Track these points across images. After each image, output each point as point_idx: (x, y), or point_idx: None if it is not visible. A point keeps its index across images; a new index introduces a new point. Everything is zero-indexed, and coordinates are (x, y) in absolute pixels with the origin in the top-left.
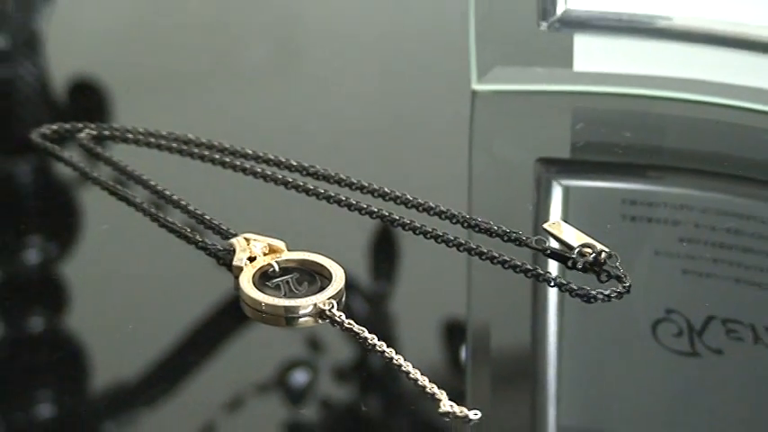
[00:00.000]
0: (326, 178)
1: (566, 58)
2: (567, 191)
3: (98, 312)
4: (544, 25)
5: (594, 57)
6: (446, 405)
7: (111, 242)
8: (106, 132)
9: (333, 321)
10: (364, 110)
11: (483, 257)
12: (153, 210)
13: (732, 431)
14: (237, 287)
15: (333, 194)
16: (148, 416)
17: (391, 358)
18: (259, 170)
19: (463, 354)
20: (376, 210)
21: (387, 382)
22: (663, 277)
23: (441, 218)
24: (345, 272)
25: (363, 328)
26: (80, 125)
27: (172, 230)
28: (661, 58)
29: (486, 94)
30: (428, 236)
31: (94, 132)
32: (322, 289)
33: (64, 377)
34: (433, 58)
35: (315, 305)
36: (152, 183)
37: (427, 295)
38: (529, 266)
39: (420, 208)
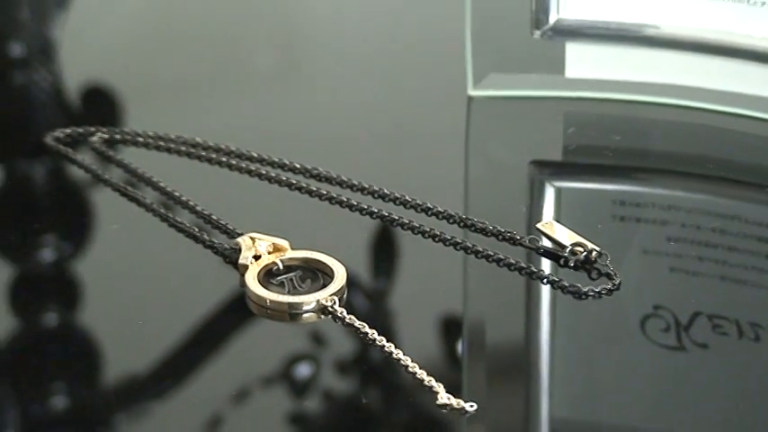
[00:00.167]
0: (328, 180)
1: (558, 65)
2: (559, 192)
3: (109, 308)
4: (537, 34)
5: (585, 64)
6: (443, 397)
7: (122, 241)
8: (117, 136)
9: (334, 317)
10: (365, 114)
11: (478, 256)
12: (162, 210)
13: (717, 422)
14: (243, 284)
15: (334, 195)
16: (158, 407)
17: (391, 352)
18: (264, 172)
19: (459, 348)
20: (376, 210)
21: (386, 375)
22: (651, 275)
23: (438, 218)
24: (347, 270)
25: (364, 324)
26: (92, 129)
27: (180, 230)
28: (649, 65)
29: (482, 100)
30: (426, 235)
31: (106, 136)
32: (324, 286)
33: (77, 370)
34: (430, 65)
35: (317, 301)
36: (161, 184)
37: (425, 292)
38: (523, 264)
39: (418, 208)
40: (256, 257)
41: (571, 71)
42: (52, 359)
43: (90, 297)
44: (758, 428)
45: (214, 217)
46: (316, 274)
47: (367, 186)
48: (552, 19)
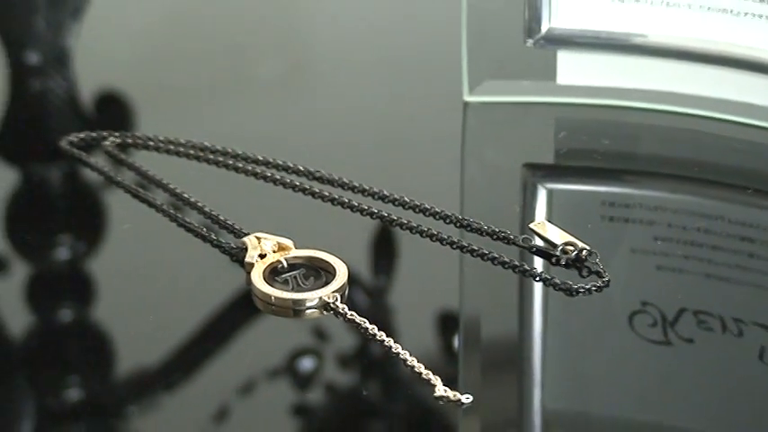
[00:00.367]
0: (331, 182)
1: (550, 72)
2: (550, 193)
3: (122, 304)
4: (530, 42)
5: (576, 71)
6: (440, 390)
7: (133, 241)
8: (129, 140)
9: (337, 313)
10: (366, 119)
11: (474, 255)
12: (172, 211)
13: (701, 413)
14: (249, 282)
15: (336, 197)
16: (168, 399)
17: (390, 347)
18: (269, 174)
19: (456, 342)
20: (376, 211)
21: (386, 369)
22: (639, 273)
23: (435, 218)
24: (348, 268)
25: (365, 320)
26: (105, 134)
27: (189, 230)
28: (636, 72)
29: (477, 106)
30: (424, 235)
31: (118, 140)
32: (327, 283)
33: (91, 363)
34: (428, 73)
35: (320, 298)
36: (171, 186)
37: (423, 289)
38: (516, 263)
39: (416, 209)
40: (262, 256)
41: (562, 78)
42: (67, 353)
43: (103, 294)
44: (740, 419)
45: (221, 217)
46: (318, 272)
47: (367, 188)
48: (544, 28)
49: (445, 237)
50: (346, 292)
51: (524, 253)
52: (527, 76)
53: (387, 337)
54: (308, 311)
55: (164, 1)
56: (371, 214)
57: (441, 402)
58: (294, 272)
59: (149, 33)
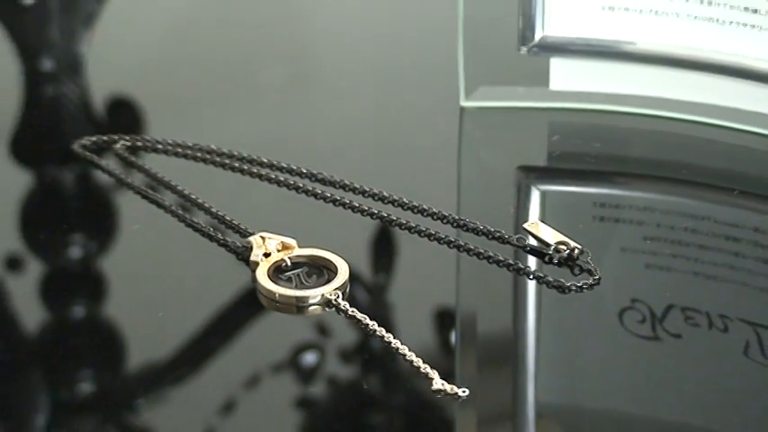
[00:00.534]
0: (332, 183)
1: (543, 78)
2: (544, 195)
3: (132, 301)
4: (524, 50)
5: (568, 77)
6: (438, 383)
7: (143, 240)
8: (139, 144)
9: (338, 310)
10: (366, 123)
11: (470, 253)
12: (180, 212)
13: (688, 405)
14: (254, 280)
15: (338, 198)
16: (177, 391)
17: (390, 342)
18: (273, 176)
19: (453, 338)
20: (376, 211)
21: (386, 363)
22: (628, 271)
23: (433, 218)
24: (349, 266)
25: (365, 316)
26: (116, 137)
27: (196, 230)
28: (626, 78)
29: (473, 111)
30: (422, 234)
31: (129, 144)
32: (329, 281)
33: (102, 358)
34: (426, 79)
35: (322, 295)
36: (179, 188)
37: (421, 287)
38: (511, 261)
39: (415, 210)
40: (266, 255)
41: (555, 84)
42: (80, 348)
43: (114, 291)
44: (726, 410)
45: (227, 218)
46: (321, 271)
47: (368, 189)
48: (538, 36)
49: (442, 236)
50: (347, 290)
51: (518, 252)
52: (521, 82)
53: (386, 332)
54: (311, 308)
55: (172, 11)
56: (371, 215)
57: (438, 395)
58: (297, 270)
59: (158, 42)
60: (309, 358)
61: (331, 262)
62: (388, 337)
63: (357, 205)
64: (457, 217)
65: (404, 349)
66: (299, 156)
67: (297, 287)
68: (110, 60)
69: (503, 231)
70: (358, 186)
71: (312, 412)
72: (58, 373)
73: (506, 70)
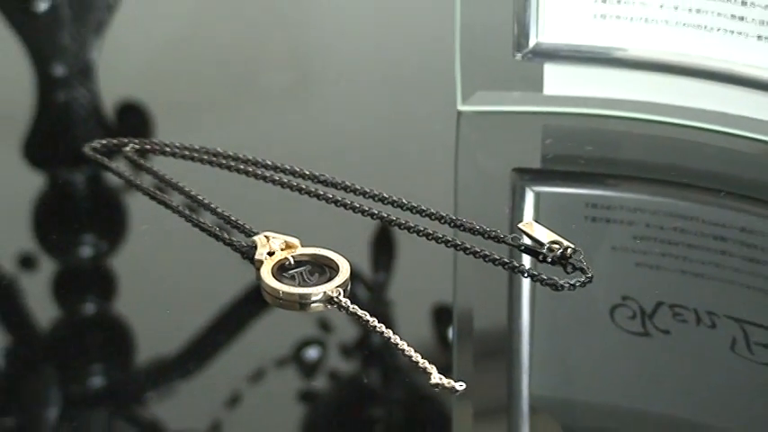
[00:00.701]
0: (334, 185)
1: (537, 83)
2: (538, 196)
3: (141, 299)
4: (519, 56)
5: (562, 82)
6: (436, 377)
7: (151, 240)
8: (148, 146)
9: (340, 307)
10: (367, 126)
11: (467, 252)
12: (187, 212)
13: (676, 398)
14: (259, 278)
15: (339, 199)
16: (184, 385)
17: (389, 338)
18: (277, 178)
19: (450, 334)
20: (376, 212)
21: (385, 358)
22: (619, 269)
23: (431, 218)
24: (350, 264)
25: (366, 313)
26: (126, 140)
27: (203, 230)
28: (618, 83)
29: (470, 115)
30: (420, 234)
31: (138, 146)
32: (330, 279)
33: (112, 353)
34: (424, 84)
35: (324, 293)
36: (186, 189)
37: (419, 284)
38: (506, 260)
39: (414, 210)
40: (270, 254)
41: (549, 89)
42: (91, 344)
43: (124, 289)
44: (713, 404)
45: (233, 218)
46: (323, 269)
47: (368, 190)
48: (532, 43)
49: (440, 236)
50: (349, 287)
51: (513, 251)
52: (516, 87)
53: (386, 328)
54: (314, 305)
55: (179, 17)
56: (372, 215)
57: (436, 389)
58: (300, 268)
59: (166, 47)
60: (312, 353)
61: (333, 260)
62: (388, 332)
63: (358, 206)
64: (454, 217)
65: (403, 344)
66: (301, 158)
67: (300, 285)
68: (119, 66)
69: (498, 231)
70: (359, 187)
71: (314, 405)
72: (69, 367)
73: (502, 76)
